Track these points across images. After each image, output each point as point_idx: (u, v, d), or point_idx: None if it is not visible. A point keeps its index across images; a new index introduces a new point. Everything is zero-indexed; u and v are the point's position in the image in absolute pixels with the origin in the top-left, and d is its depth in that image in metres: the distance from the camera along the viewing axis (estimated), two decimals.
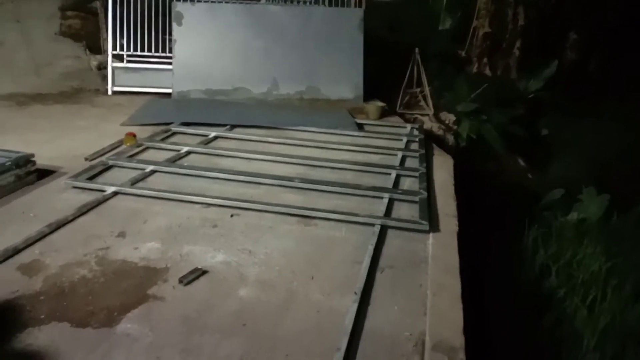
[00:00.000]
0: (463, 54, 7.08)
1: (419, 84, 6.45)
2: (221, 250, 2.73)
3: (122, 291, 2.34)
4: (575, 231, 4.74)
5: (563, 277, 4.12)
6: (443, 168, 4.24)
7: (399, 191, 3.60)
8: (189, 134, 4.72)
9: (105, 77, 6.30)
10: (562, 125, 6.36)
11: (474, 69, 6.97)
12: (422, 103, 6.43)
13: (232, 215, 3.14)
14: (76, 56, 6.82)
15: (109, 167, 3.77)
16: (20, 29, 6.44)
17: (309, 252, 2.78)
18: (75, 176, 3.49)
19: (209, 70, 6.04)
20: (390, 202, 3.43)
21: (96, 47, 6.99)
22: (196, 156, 4.17)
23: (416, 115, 6.20)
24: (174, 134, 4.74)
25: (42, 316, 2.14)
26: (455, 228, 3.13)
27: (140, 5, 6.28)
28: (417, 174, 3.90)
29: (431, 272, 2.62)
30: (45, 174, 3.59)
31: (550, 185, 5.52)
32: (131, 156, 4.02)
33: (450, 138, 5.89)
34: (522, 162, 6.16)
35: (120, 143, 4.29)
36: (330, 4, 6.56)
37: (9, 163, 3.33)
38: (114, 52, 6.26)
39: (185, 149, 4.21)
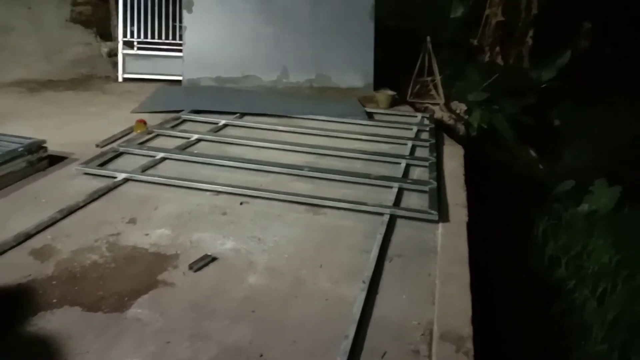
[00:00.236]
0: (475, 42, 7.01)
1: (430, 72, 6.39)
2: (230, 238, 2.74)
3: (132, 277, 2.36)
4: (586, 223, 4.71)
5: (572, 268, 4.11)
6: (453, 158, 4.22)
7: (409, 181, 3.59)
8: (199, 122, 4.73)
9: (115, 64, 6.31)
10: (575, 115, 6.29)
11: (486, 58, 6.90)
12: (433, 92, 6.38)
13: (241, 203, 3.15)
14: (87, 43, 6.83)
15: (119, 154, 3.79)
16: (31, 15, 6.45)
17: (317, 240, 2.78)
18: (87, 163, 3.51)
19: (219, 58, 6.03)
20: (400, 191, 3.42)
21: (107, 34, 7.00)
22: (206, 144, 4.18)
23: (427, 105, 6.16)
24: (184, 121, 4.75)
25: (54, 300, 2.17)
26: (465, 218, 3.11)
27: None
28: (427, 163, 3.88)
29: (440, 262, 2.62)
30: (56, 160, 3.62)
31: (561, 175, 5.48)
32: (142, 143, 4.04)
33: (461, 127, 5.85)
34: (533, 153, 6.11)
35: (130, 130, 4.31)
36: None
37: (21, 149, 3.36)
38: (125, 39, 6.27)
39: (195, 136, 4.22)
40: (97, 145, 3.94)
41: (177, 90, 5.83)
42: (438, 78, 6.28)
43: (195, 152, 3.96)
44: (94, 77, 6.25)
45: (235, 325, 2.08)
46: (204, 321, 2.09)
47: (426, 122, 5.10)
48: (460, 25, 7.02)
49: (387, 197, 3.30)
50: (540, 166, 6.00)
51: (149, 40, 6.33)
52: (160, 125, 4.45)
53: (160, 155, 3.76)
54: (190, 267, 2.44)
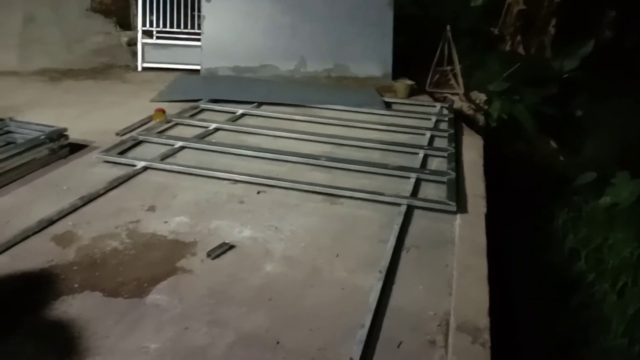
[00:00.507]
0: (495, 31, 6.88)
1: (450, 62, 6.31)
2: (248, 226, 2.76)
3: (151, 263, 2.40)
4: (607, 216, 4.63)
5: (592, 262, 4.05)
6: (472, 148, 4.18)
7: (427, 171, 3.56)
8: (217, 111, 4.75)
9: (135, 54, 6.36)
10: (597, 105, 6.15)
11: (507, 47, 6.78)
12: (452, 82, 6.30)
13: (258, 192, 3.16)
14: (107, 32, 6.87)
15: (139, 143, 3.83)
16: (53, 4, 6.51)
17: (334, 230, 2.79)
18: (107, 151, 3.56)
19: (236, 47, 6.03)
20: (417, 182, 3.40)
21: (126, 24, 7.03)
22: (224, 133, 4.20)
23: (446, 94, 6.09)
24: (202, 110, 4.77)
25: (76, 285, 2.21)
26: (484, 209, 3.09)
27: None
28: (445, 154, 3.85)
29: (457, 253, 2.60)
30: (77, 148, 3.67)
31: (581, 167, 5.38)
32: (160, 132, 4.07)
33: (480, 118, 5.78)
34: (553, 144, 6.01)
35: (149, 119, 4.35)
36: None
37: (43, 137, 3.42)
38: (144, 29, 6.31)
39: (213, 125, 4.24)
40: (117, 134, 3.99)
41: (196, 80, 5.86)
42: (458, 67, 6.19)
43: (213, 141, 3.99)
44: (113, 67, 6.31)
45: (252, 312, 2.10)
46: (222, 308, 2.12)
47: (445, 112, 5.05)
48: (480, 14, 6.89)
49: (404, 188, 3.28)
50: (561, 157, 5.90)
51: (168, 29, 6.36)
52: (179, 114, 4.49)
53: (179, 144, 3.79)
54: (208, 254, 2.47)
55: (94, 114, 4.50)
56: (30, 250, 2.45)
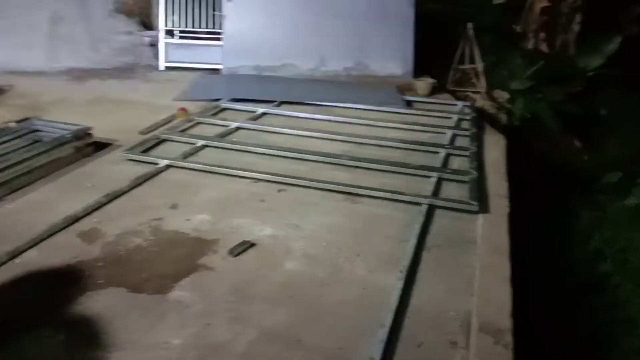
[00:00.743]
0: (518, 28, 6.78)
1: (471, 60, 6.24)
2: (269, 224, 2.78)
3: (174, 260, 2.43)
4: (633, 216, 4.54)
5: (617, 263, 3.97)
6: (495, 147, 4.13)
7: (448, 170, 3.53)
8: (238, 110, 4.78)
9: (157, 53, 6.44)
10: (622, 104, 6.02)
11: (530, 45, 6.67)
12: (474, 80, 6.24)
13: (279, 191, 3.18)
14: (129, 32, 6.98)
15: (161, 141, 3.88)
16: (79, 4, 6.63)
17: (354, 229, 2.79)
18: (130, 149, 3.61)
19: (257, 46, 6.06)
20: (439, 181, 3.37)
21: (148, 23, 7.13)
22: (245, 132, 4.23)
23: (467, 93, 6.02)
24: (224, 109, 4.81)
25: (101, 281, 2.26)
26: (507, 209, 3.05)
27: None
28: (467, 153, 3.81)
29: (480, 253, 2.58)
30: (101, 146, 3.74)
31: (606, 166, 5.28)
32: (183, 131, 4.12)
33: (503, 116, 5.70)
34: (577, 142, 5.90)
35: (172, 118, 4.40)
36: None
37: (69, 135, 3.49)
38: (166, 28, 6.39)
39: (234, 124, 4.28)
40: (140, 133, 4.04)
41: (217, 79, 5.91)
42: (479, 65, 6.13)
43: (235, 140, 4.02)
44: (136, 66, 6.40)
45: (273, 309, 2.11)
46: (243, 305, 2.14)
47: (467, 110, 5.00)
48: (502, 11, 6.81)
49: (425, 187, 3.26)
50: (585, 157, 5.80)
51: (189, 29, 6.43)
52: (201, 113, 4.53)
53: (201, 142, 3.82)
54: (230, 252, 2.49)
55: (118, 113, 4.57)
56: (56, 246, 2.51)
